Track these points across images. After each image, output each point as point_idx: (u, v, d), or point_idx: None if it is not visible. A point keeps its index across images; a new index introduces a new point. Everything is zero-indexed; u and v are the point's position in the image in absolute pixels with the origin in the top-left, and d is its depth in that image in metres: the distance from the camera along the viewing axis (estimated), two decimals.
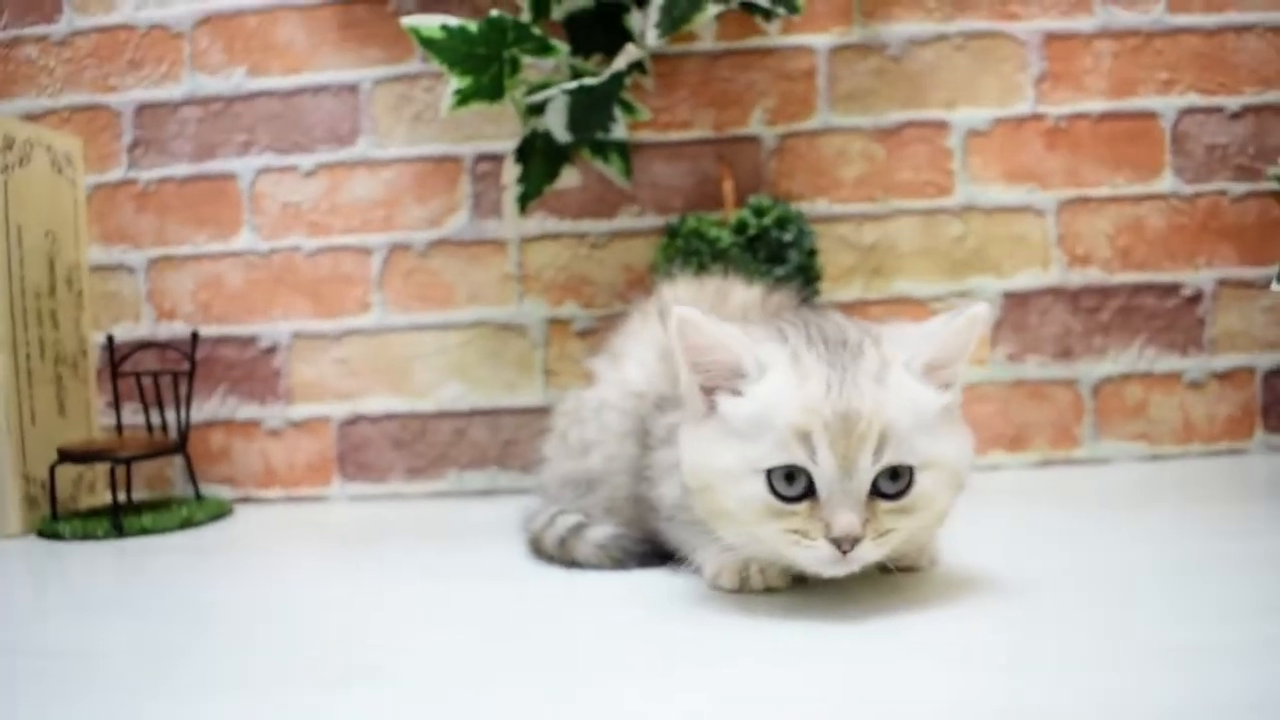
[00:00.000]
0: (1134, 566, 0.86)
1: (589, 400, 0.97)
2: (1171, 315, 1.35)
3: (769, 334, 0.78)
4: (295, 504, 1.34)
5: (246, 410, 1.36)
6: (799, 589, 0.81)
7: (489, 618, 0.81)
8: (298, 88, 1.37)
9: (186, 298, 1.37)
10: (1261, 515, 1.03)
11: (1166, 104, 1.34)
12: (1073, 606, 0.75)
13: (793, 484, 0.72)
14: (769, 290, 0.99)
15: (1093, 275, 1.34)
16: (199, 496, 1.27)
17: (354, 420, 1.36)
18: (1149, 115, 1.34)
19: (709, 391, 0.77)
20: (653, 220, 1.35)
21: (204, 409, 1.36)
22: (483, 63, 1.17)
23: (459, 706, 0.61)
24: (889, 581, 0.82)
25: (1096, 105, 1.34)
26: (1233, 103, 1.34)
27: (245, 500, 1.35)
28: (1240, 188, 1.34)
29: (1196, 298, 1.35)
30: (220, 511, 1.25)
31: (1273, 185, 1.30)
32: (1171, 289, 1.35)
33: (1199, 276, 1.34)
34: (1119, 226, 1.34)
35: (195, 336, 1.30)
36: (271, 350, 1.37)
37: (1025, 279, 1.35)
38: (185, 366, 1.29)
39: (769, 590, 0.81)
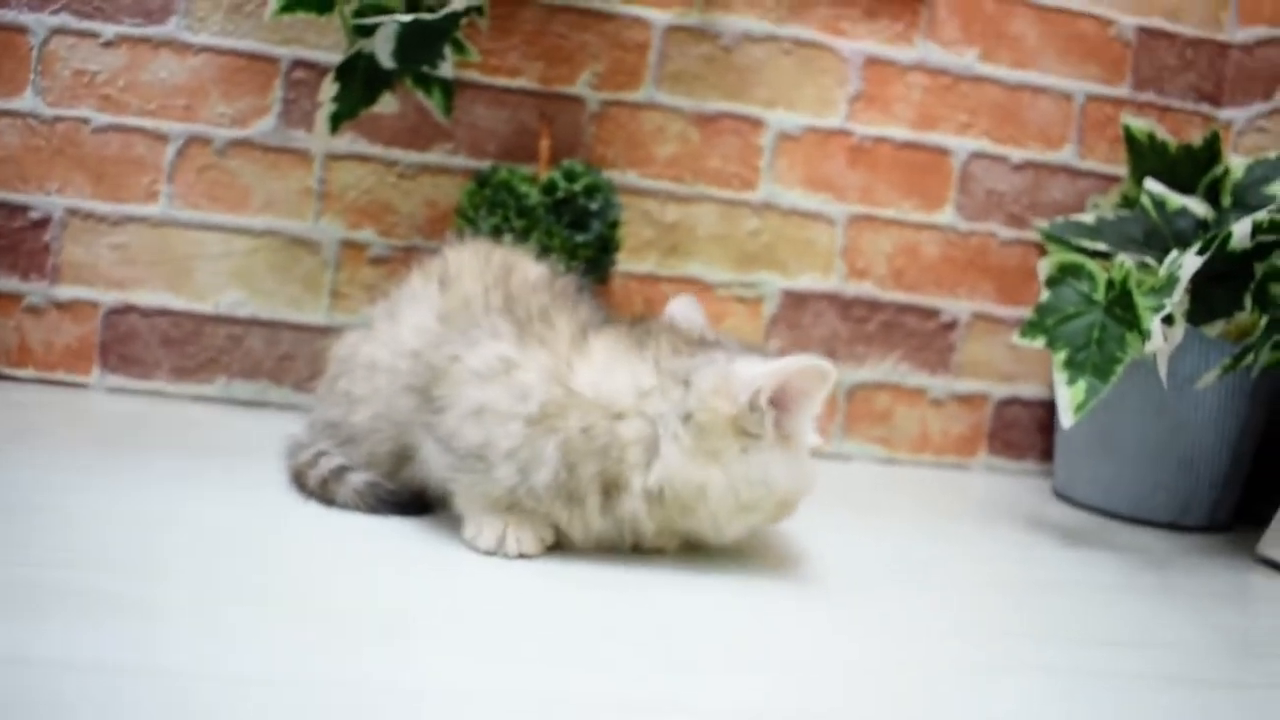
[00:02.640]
0: (855, 566, 0.98)
1: (362, 355, 0.98)
2: (928, 337, 1.46)
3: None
4: (49, 388, 1.28)
5: (6, 283, 1.28)
6: (550, 556, 0.88)
7: (239, 551, 0.82)
8: None
9: None
10: (972, 532, 1.17)
11: (960, 144, 1.44)
12: (796, 598, 0.86)
13: None
14: (554, 270, 0.99)
15: (866, 289, 1.44)
16: None
17: (124, 310, 1.31)
18: (943, 151, 1.44)
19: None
20: (464, 161, 1.35)
21: None
22: None
23: (186, 649, 0.62)
24: (635, 557, 0.90)
25: (900, 133, 1.43)
26: (1017, 154, 1.46)
27: None
28: (1009, 233, 1.46)
29: (952, 325, 1.46)
30: None
31: (1036, 236, 1.43)
32: (932, 313, 1.46)
33: (958, 306, 1.46)
34: (897, 248, 1.44)
35: None
36: (42, 223, 1.29)
37: (807, 281, 1.43)
38: None
39: (522, 556, 0.87)
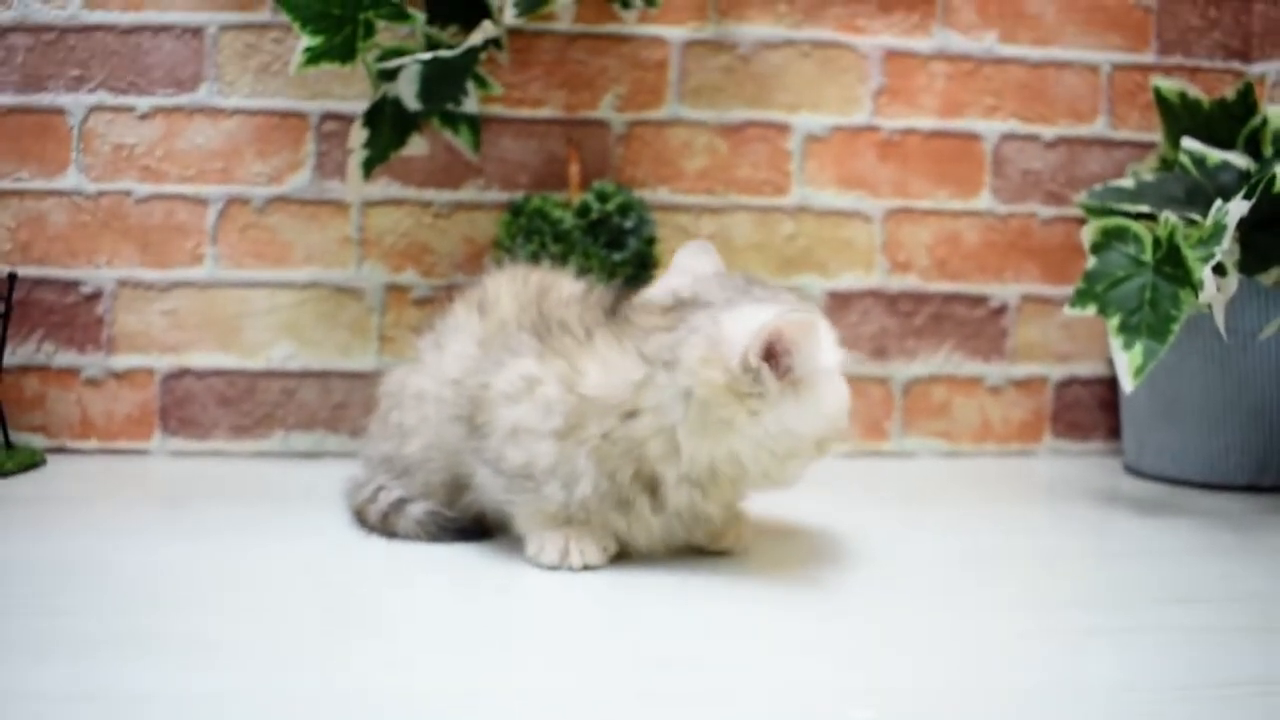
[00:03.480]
0: (930, 557, 0.96)
1: (410, 386, 0.99)
2: (978, 324, 1.44)
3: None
4: (112, 457, 1.31)
5: (64, 358, 1.32)
6: (614, 565, 0.88)
7: (309, 586, 0.83)
8: (138, 25, 1.32)
9: (4, 236, 1.31)
10: (1044, 514, 1.16)
11: (990, 128, 1.43)
12: (873, 591, 0.84)
13: None
14: (591, 286, 1.00)
15: (910, 282, 1.43)
16: (9, 445, 1.23)
17: (179, 374, 1.33)
18: (973, 137, 1.43)
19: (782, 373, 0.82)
20: (497, 195, 1.36)
21: (18, 354, 1.31)
22: (336, 23, 1.16)
23: (274, 678, 0.62)
24: (703, 561, 0.89)
25: (927, 123, 1.42)
26: (1049, 132, 1.44)
27: (59, 451, 1.30)
28: (1049, 211, 1.45)
29: (1001, 310, 1.44)
30: (32, 461, 1.21)
31: (1077, 212, 1.41)
32: (980, 300, 1.44)
33: (1005, 290, 1.44)
34: (938, 238, 1.43)
35: (13, 278, 1.25)
36: (95, 297, 1.32)
37: (849, 280, 1.42)
38: (0, 309, 1.24)
39: (587, 568, 0.87)
